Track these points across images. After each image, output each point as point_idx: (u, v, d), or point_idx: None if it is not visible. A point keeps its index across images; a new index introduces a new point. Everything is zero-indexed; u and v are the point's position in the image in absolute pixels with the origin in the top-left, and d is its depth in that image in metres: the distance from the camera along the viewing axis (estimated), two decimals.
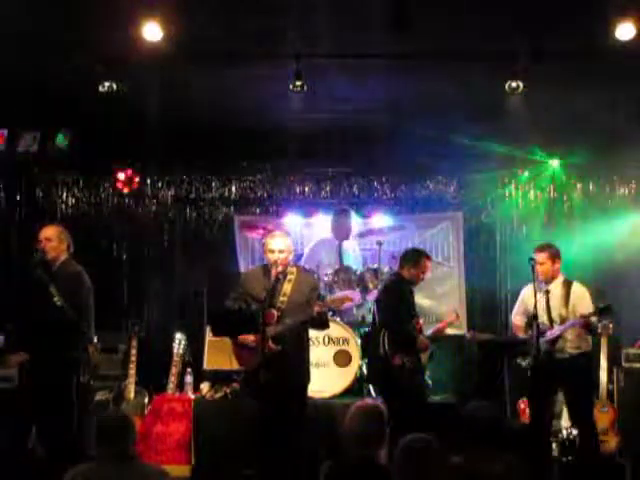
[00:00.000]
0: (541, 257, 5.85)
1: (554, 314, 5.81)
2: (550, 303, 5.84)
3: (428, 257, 6.27)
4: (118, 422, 3.82)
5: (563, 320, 5.77)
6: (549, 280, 5.89)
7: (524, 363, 5.94)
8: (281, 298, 5.26)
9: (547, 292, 5.87)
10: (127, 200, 8.29)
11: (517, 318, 6.12)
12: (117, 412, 4.51)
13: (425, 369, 6.30)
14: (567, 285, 5.87)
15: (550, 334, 5.72)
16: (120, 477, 3.69)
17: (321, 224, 8.07)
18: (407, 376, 5.82)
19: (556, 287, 5.88)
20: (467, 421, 3.73)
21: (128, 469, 3.71)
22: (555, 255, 5.90)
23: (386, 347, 5.85)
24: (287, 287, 5.30)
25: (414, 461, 3.29)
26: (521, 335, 6.03)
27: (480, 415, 3.73)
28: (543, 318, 5.80)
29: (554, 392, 5.90)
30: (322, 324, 5.45)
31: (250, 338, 5.19)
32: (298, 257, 7.24)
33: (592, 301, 5.85)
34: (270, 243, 5.35)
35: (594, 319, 5.80)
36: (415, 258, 6.13)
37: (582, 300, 5.83)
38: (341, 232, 7.71)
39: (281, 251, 5.29)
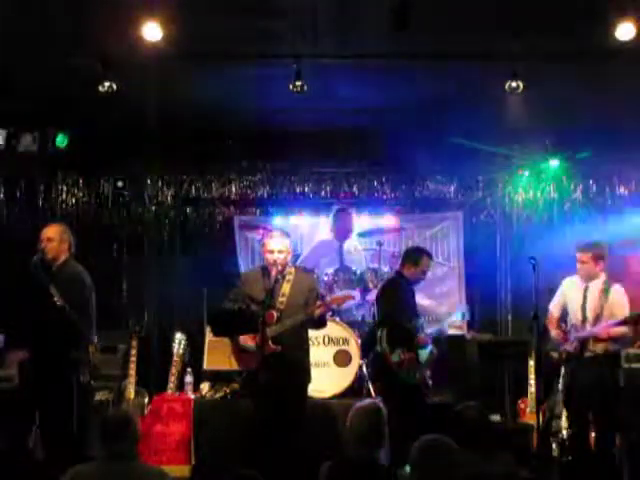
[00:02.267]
0: (584, 257, 5.87)
1: (589, 313, 5.84)
2: (587, 302, 5.86)
3: (429, 255, 6.25)
4: (121, 421, 3.81)
5: (596, 320, 5.78)
6: (590, 279, 5.90)
7: (555, 355, 5.95)
8: (280, 299, 5.26)
9: (586, 289, 5.90)
10: (127, 200, 8.29)
11: (555, 309, 6.09)
12: (121, 411, 4.49)
13: (425, 365, 6.24)
14: (607, 286, 5.86)
15: (580, 333, 5.78)
16: (120, 477, 3.69)
17: (321, 224, 8.07)
18: (406, 373, 5.80)
19: (596, 286, 5.88)
20: (455, 421, 3.74)
21: (128, 469, 3.71)
22: (598, 255, 5.88)
23: (384, 344, 5.83)
24: (286, 287, 5.30)
25: (436, 460, 3.27)
26: (552, 328, 6.01)
27: (467, 415, 3.73)
28: (578, 315, 5.87)
29: (587, 389, 5.83)
30: (320, 323, 5.45)
31: (250, 342, 5.19)
32: (297, 257, 7.23)
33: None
34: (269, 244, 5.34)
35: (623, 329, 5.77)
36: (416, 256, 6.12)
37: (619, 304, 5.81)
38: (341, 231, 7.68)
39: (280, 251, 5.29)
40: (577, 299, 5.95)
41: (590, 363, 5.81)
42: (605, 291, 5.84)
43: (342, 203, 8.03)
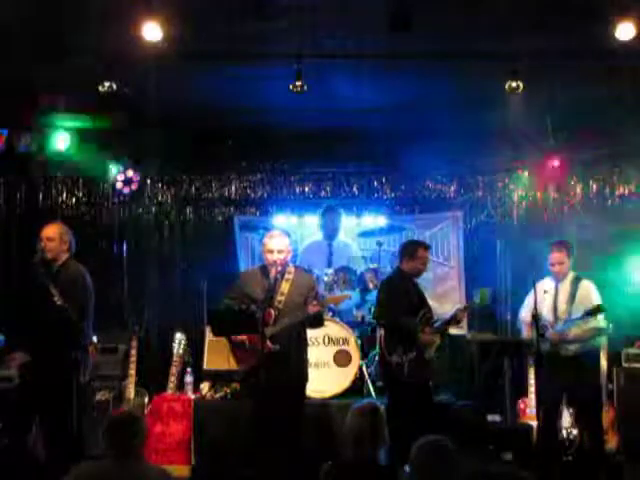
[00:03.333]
0: (560, 257, 5.82)
1: (560, 311, 5.78)
2: (557, 300, 5.82)
3: (425, 247, 6.06)
4: (128, 421, 3.81)
5: (567, 318, 5.73)
6: (563, 277, 5.85)
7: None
8: (279, 298, 5.27)
9: (556, 289, 5.85)
10: (127, 200, 8.29)
11: (525, 312, 5.98)
12: (128, 411, 4.47)
13: (431, 362, 5.94)
14: (576, 282, 5.82)
15: (552, 332, 5.71)
16: (122, 476, 3.69)
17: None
18: (406, 373, 5.68)
19: (565, 284, 5.84)
20: (452, 421, 3.75)
21: (131, 468, 3.71)
22: (571, 253, 5.86)
23: (382, 344, 5.81)
24: (285, 287, 5.31)
25: (435, 461, 3.28)
26: (525, 331, 5.96)
27: (464, 415, 3.74)
28: (549, 315, 5.80)
29: (562, 390, 5.82)
30: (317, 322, 5.44)
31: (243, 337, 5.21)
32: (296, 258, 7.23)
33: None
34: (269, 243, 5.35)
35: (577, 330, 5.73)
36: (411, 250, 5.97)
37: (588, 297, 5.77)
38: (328, 230, 7.73)
39: (280, 251, 5.29)
40: (548, 300, 5.85)
41: (565, 363, 5.74)
42: (574, 288, 5.79)
43: (342, 203, 8.05)
